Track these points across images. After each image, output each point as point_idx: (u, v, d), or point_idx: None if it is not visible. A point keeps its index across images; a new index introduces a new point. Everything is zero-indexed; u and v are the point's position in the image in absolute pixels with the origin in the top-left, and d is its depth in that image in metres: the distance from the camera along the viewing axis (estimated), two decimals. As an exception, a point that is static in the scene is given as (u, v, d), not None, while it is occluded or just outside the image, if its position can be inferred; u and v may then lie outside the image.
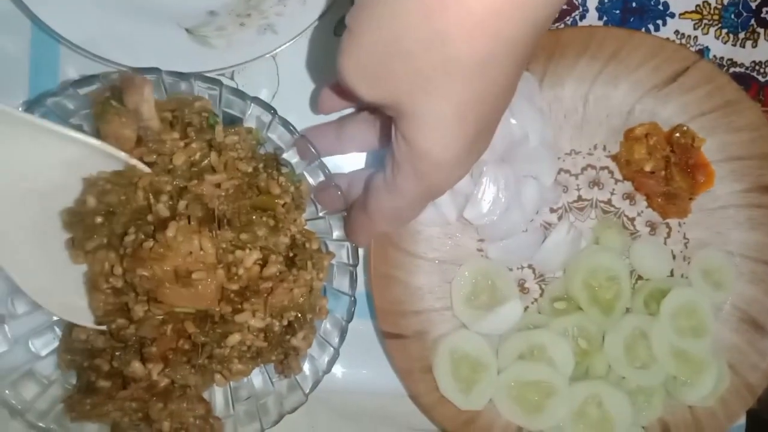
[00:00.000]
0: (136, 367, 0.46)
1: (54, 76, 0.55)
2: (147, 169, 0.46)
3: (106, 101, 0.45)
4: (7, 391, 0.49)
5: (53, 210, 0.47)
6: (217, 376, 0.49)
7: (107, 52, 0.51)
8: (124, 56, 0.51)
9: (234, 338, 0.46)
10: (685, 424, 0.59)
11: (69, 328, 0.51)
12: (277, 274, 0.48)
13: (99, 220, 0.46)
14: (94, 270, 0.47)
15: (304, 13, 0.55)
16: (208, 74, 0.51)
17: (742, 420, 0.62)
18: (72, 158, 0.45)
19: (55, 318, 0.52)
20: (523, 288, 0.60)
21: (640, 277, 0.60)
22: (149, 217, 0.46)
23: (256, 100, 0.49)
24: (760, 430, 0.66)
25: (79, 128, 0.47)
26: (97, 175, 0.47)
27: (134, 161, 0.46)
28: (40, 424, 0.50)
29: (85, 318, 0.49)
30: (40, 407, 0.50)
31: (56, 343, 0.52)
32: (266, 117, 0.50)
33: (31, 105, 0.46)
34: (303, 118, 0.58)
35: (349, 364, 0.60)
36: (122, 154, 0.45)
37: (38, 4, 0.51)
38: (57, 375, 0.52)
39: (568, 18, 0.59)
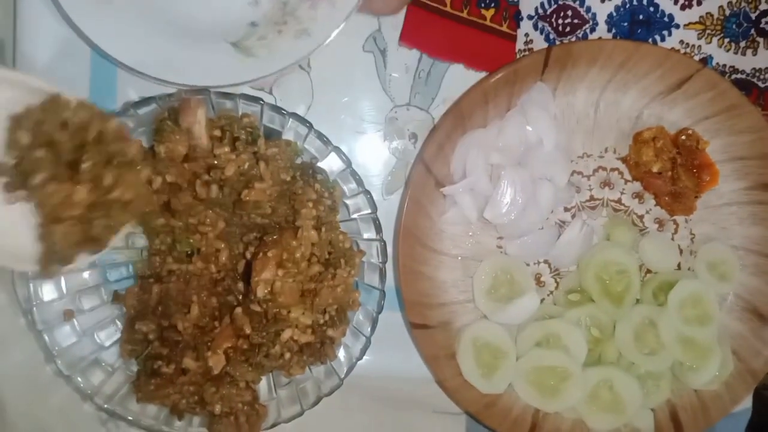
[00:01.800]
0: (188, 362, 0.52)
1: (112, 95, 0.61)
2: (72, 98, 0.47)
3: (163, 121, 0.51)
4: (78, 378, 0.55)
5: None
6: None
7: (160, 73, 0.56)
8: (176, 76, 0.57)
9: (286, 334, 0.52)
10: (692, 407, 0.63)
11: (130, 321, 0.57)
12: (318, 274, 0.54)
13: (40, 153, 0.45)
14: (49, 203, 0.46)
15: (335, 15, 0.58)
16: (254, 82, 0.57)
17: (747, 403, 0.66)
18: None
19: (116, 313, 0.59)
20: (539, 281, 0.65)
21: (649, 271, 0.65)
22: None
23: (294, 115, 0.54)
24: (766, 411, 0.71)
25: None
26: (26, 109, 0.46)
27: (57, 90, 0.46)
28: (107, 407, 0.56)
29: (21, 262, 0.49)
30: (106, 391, 0.57)
31: (118, 335, 0.59)
32: (303, 130, 0.55)
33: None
34: (336, 128, 0.63)
35: (380, 351, 0.64)
36: (44, 86, 0.46)
37: (95, 30, 0.56)
38: (119, 363, 0.58)
39: (579, 31, 0.64)
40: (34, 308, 0.55)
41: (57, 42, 0.61)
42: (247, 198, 0.52)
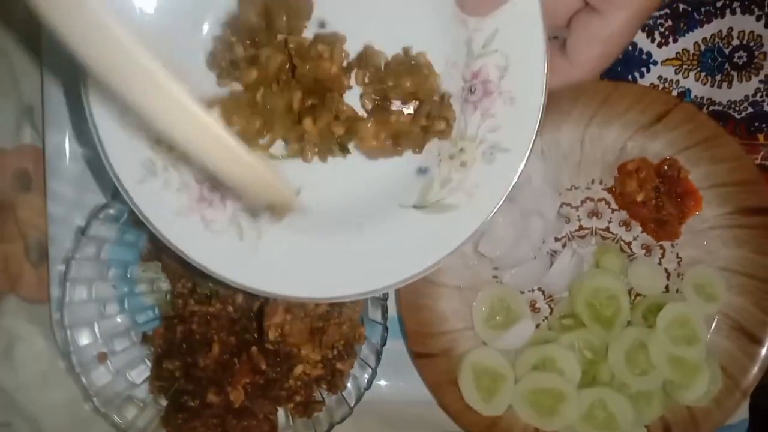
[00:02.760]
0: (211, 397, 0.58)
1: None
2: None
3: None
4: (114, 414, 0.61)
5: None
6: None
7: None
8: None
9: (298, 369, 0.57)
10: (684, 423, 0.67)
11: (158, 359, 0.63)
12: (325, 312, 0.59)
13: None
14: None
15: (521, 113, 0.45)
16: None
17: (739, 416, 0.70)
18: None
19: (145, 353, 0.65)
20: (534, 308, 0.69)
21: (638, 294, 0.69)
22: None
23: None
24: (762, 425, 0.74)
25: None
26: None
27: None
28: (140, 440, 0.62)
29: None
30: (139, 425, 0.62)
31: (147, 373, 0.64)
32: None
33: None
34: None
35: (389, 378, 0.70)
36: None
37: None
38: (150, 399, 0.64)
39: (561, 72, 0.68)
40: (72, 353, 0.60)
41: (80, 103, 0.67)
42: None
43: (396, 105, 0.47)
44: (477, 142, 0.46)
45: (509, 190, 0.46)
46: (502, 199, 0.46)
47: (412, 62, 0.46)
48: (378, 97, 0.47)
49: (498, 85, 0.45)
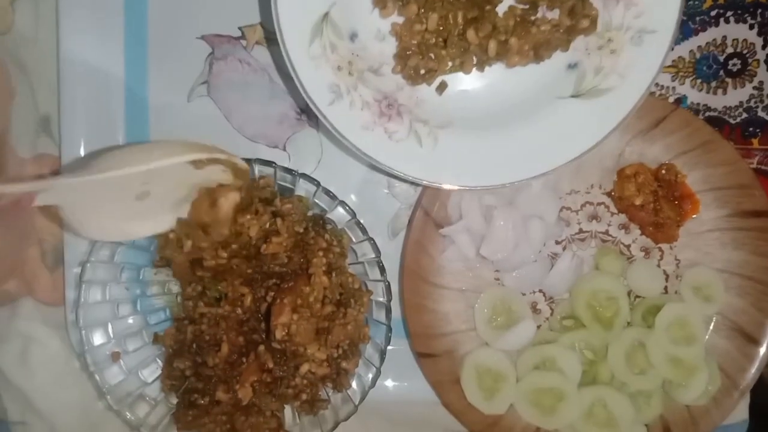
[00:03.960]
0: (220, 395, 0.60)
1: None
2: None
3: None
4: (126, 412, 0.63)
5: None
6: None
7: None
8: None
9: (304, 368, 0.59)
10: (683, 421, 0.68)
11: (169, 359, 0.65)
12: (331, 313, 0.61)
13: None
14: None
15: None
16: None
17: (739, 416, 0.71)
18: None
19: (156, 352, 0.67)
20: (535, 309, 0.71)
21: (637, 296, 0.70)
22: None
23: (303, 176, 0.62)
24: (762, 425, 0.75)
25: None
26: None
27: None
28: (152, 437, 0.64)
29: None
30: (151, 422, 0.64)
31: (159, 372, 0.66)
32: (312, 188, 0.62)
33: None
34: (345, 178, 0.70)
35: (393, 377, 0.71)
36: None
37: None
38: (161, 397, 0.66)
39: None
40: (87, 352, 0.63)
41: (94, 114, 0.69)
42: (266, 251, 0.59)
43: (542, 12, 0.54)
44: (624, 30, 0.52)
45: (661, 65, 0.52)
46: (657, 75, 0.51)
47: None
48: (526, 6, 0.53)
49: None
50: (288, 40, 0.54)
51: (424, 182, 0.58)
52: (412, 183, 0.63)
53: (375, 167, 0.70)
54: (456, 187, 0.58)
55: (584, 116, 0.53)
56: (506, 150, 0.57)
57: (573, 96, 0.54)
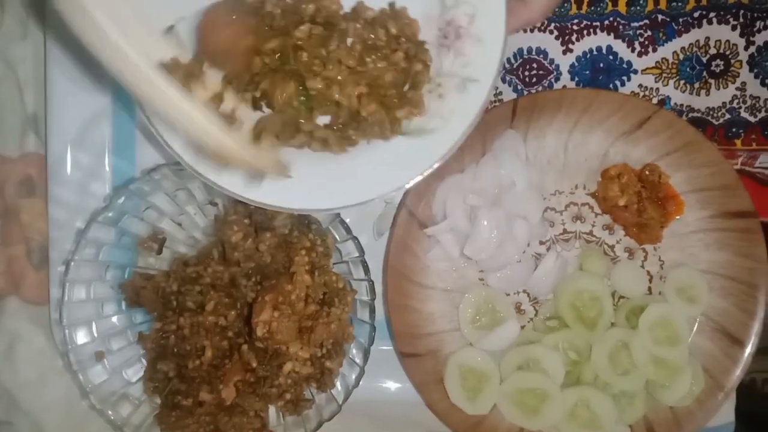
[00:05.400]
0: (204, 395, 0.60)
1: (131, 160, 0.70)
2: None
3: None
4: (109, 411, 0.63)
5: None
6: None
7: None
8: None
9: (287, 367, 0.59)
10: (667, 423, 0.68)
11: (152, 362, 0.65)
12: (314, 312, 0.61)
13: None
14: None
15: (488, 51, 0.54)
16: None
17: (724, 418, 0.71)
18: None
19: (141, 352, 0.67)
20: (519, 310, 0.71)
21: (621, 296, 0.70)
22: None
23: (287, 175, 0.62)
24: (748, 427, 0.75)
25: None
26: None
27: None
28: (135, 437, 0.64)
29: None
30: (134, 422, 0.64)
31: (142, 372, 0.66)
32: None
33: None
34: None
35: (377, 377, 0.71)
36: None
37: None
38: (145, 397, 0.66)
39: (544, 81, 0.70)
40: (70, 351, 0.63)
41: (81, 113, 0.70)
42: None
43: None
44: (451, 77, 0.55)
45: (480, 112, 0.54)
46: (475, 120, 0.54)
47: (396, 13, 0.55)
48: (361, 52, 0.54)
49: (468, 29, 0.54)
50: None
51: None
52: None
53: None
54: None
55: (412, 151, 0.55)
56: (344, 174, 0.57)
57: (401, 135, 0.56)
